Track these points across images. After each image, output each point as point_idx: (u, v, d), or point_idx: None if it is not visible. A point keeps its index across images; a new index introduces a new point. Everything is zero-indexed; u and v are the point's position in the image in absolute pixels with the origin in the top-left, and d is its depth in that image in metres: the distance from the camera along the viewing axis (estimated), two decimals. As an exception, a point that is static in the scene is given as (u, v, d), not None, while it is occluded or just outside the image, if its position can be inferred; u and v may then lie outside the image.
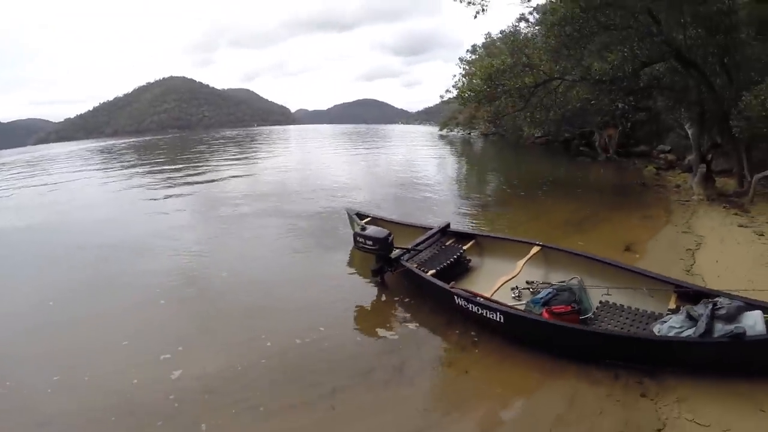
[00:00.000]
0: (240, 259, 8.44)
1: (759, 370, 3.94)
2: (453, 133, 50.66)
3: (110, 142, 67.04)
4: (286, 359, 4.96)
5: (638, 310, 5.17)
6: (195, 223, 11.16)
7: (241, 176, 18.96)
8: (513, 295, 5.85)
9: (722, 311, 4.15)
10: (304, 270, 7.87)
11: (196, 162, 26.27)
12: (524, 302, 5.51)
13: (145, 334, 5.72)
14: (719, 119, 12.42)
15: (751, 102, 9.82)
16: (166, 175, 20.02)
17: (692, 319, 4.30)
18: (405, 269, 6.40)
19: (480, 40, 44.85)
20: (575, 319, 4.92)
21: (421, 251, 6.90)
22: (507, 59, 14.53)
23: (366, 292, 6.77)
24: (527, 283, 6.11)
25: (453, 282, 5.98)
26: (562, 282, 5.62)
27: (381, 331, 5.54)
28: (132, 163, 27.71)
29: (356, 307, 6.29)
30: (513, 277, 5.75)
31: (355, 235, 6.67)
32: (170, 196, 14.28)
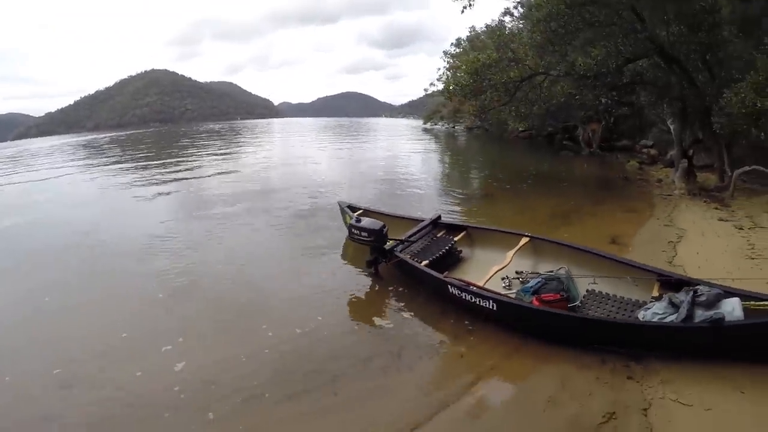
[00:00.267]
0: (233, 252, 8.48)
1: (737, 354, 4.18)
2: (437, 126, 50.81)
3: (92, 136, 65.96)
4: (287, 348, 5.07)
5: (623, 298, 5.41)
6: (185, 219, 11.06)
7: (227, 172, 18.80)
8: (503, 285, 6.04)
9: (702, 298, 4.41)
10: (299, 262, 7.95)
11: (181, 157, 25.96)
12: (514, 291, 5.72)
13: (145, 326, 5.78)
14: (701, 115, 12.71)
15: (732, 99, 10.07)
16: (152, 171, 19.82)
17: (674, 306, 4.55)
18: (399, 260, 6.55)
19: (464, 34, 44.85)
20: (564, 306, 5.14)
21: (413, 242, 7.08)
22: (493, 54, 14.68)
23: (360, 282, 6.91)
24: (516, 272, 6.30)
25: (446, 272, 6.19)
26: (550, 272, 5.84)
27: (377, 320, 5.70)
28: (116, 158, 27.32)
29: (352, 297, 6.44)
30: (503, 267, 5.95)
31: (350, 226, 6.79)
32: (158, 194, 14.12)
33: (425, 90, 53.57)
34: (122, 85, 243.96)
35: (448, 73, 41.59)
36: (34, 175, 21.25)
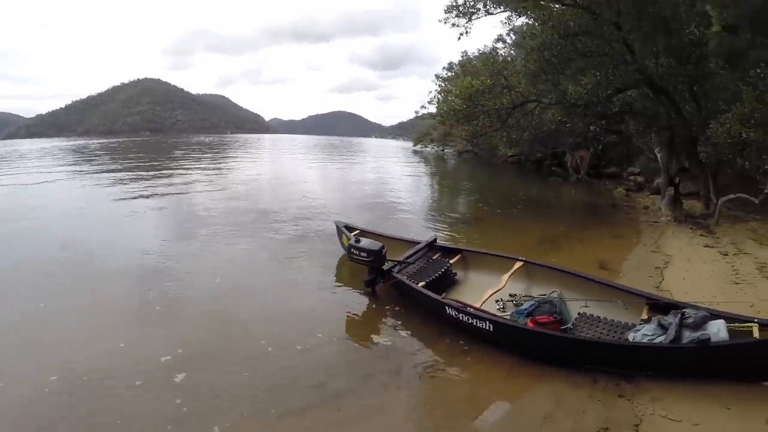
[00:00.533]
0: (229, 269, 8.48)
1: (723, 372, 4.39)
2: (427, 149, 51.16)
3: (82, 141, 65.45)
4: (288, 364, 5.14)
5: (614, 320, 5.61)
6: (180, 235, 10.95)
7: (219, 188, 18.67)
8: (498, 307, 6.21)
9: (690, 320, 4.63)
10: (296, 280, 8.03)
11: (173, 169, 25.86)
12: (509, 313, 5.91)
13: (142, 338, 5.76)
14: (687, 145, 13.08)
15: (718, 130, 10.43)
16: (147, 183, 19.56)
17: (663, 328, 4.77)
18: (396, 281, 6.70)
19: (457, 58, 45.55)
20: (557, 328, 5.34)
21: (410, 264, 7.25)
22: (486, 80, 15.04)
23: (358, 301, 7.03)
24: (510, 295, 6.45)
25: (444, 293, 6.38)
26: (543, 295, 6.05)
27: (376, 338, 5.83)
28: (108, 167, 27.10)
29: (350, 315, 6.57)
30: (499, 290, 6.15)
31: (350, 246, 6.94)
32: (152, 207, 13.92)
33: (416, 112, 54.07)
34: (114, 91, 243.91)
35: (440, 96, 42.22)
36: (26, 178, 21.05)
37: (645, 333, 4.83)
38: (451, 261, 7.47)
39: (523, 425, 4.20)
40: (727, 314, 4.84)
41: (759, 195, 11.44)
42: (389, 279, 6.83)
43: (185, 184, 19.55)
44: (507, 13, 16.24)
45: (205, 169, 26.82)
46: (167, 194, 16.50)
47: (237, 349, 5.51)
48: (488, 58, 17.67)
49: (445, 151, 47.21)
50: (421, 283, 6.53)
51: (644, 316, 5.35)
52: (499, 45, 33.06)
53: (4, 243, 9.91)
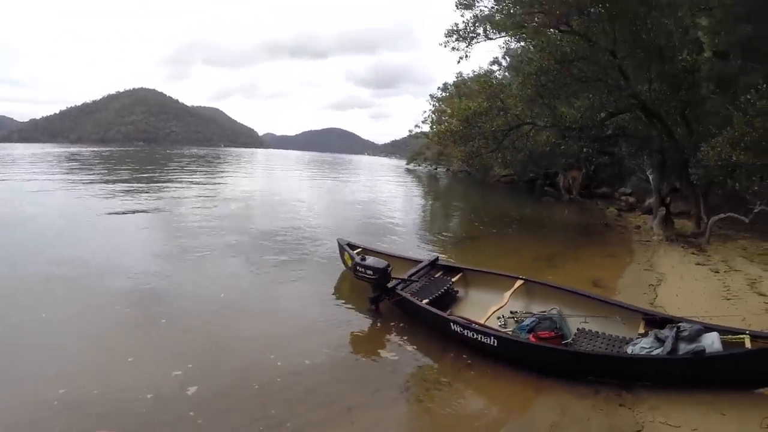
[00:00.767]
0: (233, 284, 8.55)
1: (717, 381, 4.62)
2: (420, 167, 51.49)
3: (75, 148, 65.34)
4: (299, 379, 5.23)
5: (612, 335, 5.84)
6: (181, 253, 10.63)
7: (216, 202, 18.65)
8: (499, 324, 6.38)
9: (685, 333, 4.88)
10: (300, 296, 8.15)
11: (170, 182, 25.81)
12: (510, 329, 6.11)
13: (151, 352, 5.77)
14: (679, 166, 13.45)
15: (709, 153, 10.77)
16: (145, 195, 19.44)
17: (660, 341, 5.00)
18: (401, 298, 6.89)
19: (451, 79, 46.18)
20: (558, 343, 5.56)
21: (414, 281, 7.44)
22: (483, 102, 15.37)
23: (362, 318, 7.19)
24: (511, 312, 6.64)
25: (449, 311, 6.59)
26: (543, 312, 6.26)
27: (383, 353, 6.00)
28: (106, 177, 26.81)
29: (355, 331, 6.74)
30: (501, 307, 6.37)
31: (356, 264, 7.13)
32: (152, 223, 13.82)
33: (410, 131, 54.72)
34: (109, 100, 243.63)
35: (434, 116, 42.77)
36: (23, 185, 21.02)
37: (643, 346, 5.07)
38: (453, 279, 7.69)
39: (531, 433, 4.39)
40: (720, 327, 5.10)
41: (749, 214, 11.73)
42: (393, 296, 7.01)
43: (182, 198, 19.40)
44: (506, 38, 16.69)
45: (200, 183, 26.81)
46: (164, 209, 16.34)
47: (246, 364, 5.57)
48: (485, 81, 17.91)
49: (438, 170, 47.64)
50: (425, 301, 6.71)
51: (641, 330, 5.59)
52: (495, 67, 33.66)
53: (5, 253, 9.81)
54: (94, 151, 58.75)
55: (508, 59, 30.87)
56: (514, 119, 15.09)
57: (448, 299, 7.32)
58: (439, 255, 10.73)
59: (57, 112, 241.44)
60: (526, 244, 13.06)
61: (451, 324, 5.95)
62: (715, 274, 9.07)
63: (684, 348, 4.74)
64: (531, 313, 6.48)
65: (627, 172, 21.92)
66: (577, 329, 6.07)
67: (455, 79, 42.33)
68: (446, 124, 17.82)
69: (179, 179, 27.51)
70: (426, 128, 46.67)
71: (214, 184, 27.02)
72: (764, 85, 10.73)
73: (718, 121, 12.22)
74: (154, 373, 5.20)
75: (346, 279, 8.71)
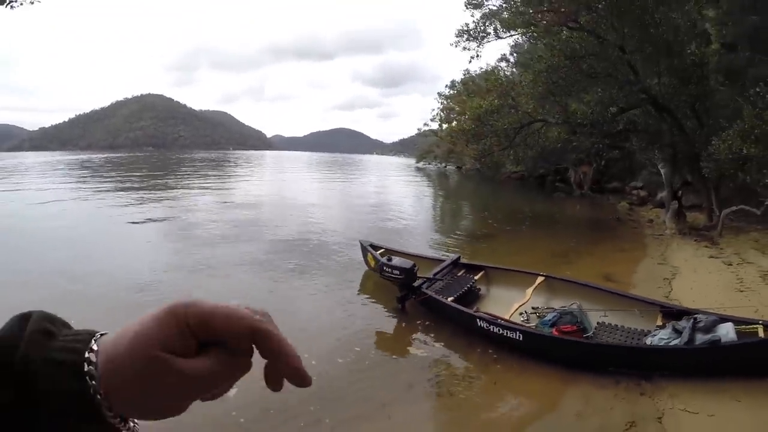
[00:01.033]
0: (259, 286, 8.94)
1: (732, 369, 4.90)
2: (429, 165, 51.48)
3: (85, 155, 64.92)
4: (333, 377, 5.48)
5: (631, 327, 6.11)
6: (203, 261, 10.65)
7: (235, 209, 18.66)
8: (522, 319, 6.67)
9: (701, 324, 5.17)
10: (326, 298, 8.40)
11: (184, 188, 26.18)
12: (533, 324, 6.40)
13: None
14: (690, 160, 13.59)
15: (720, 146, 10.92)
16: (161, 203, 19.57)
17: (677, 332, 5.30)
18: (426, 297, 7.17)
19: (458, 76, 46.29)
20: (580, 336, 5.86)
21: (438, 280, 7.73)
22: (494, 100, 15.62)
23: (389, 316, 7.49)
24: (533, 308, 6.93)
25: (476, 307, 6.89)
26: (564, 307, 6.55)
27: (412, 351, 6.31)
28: (120, 185, 26.70)
29: (384, 330, 7.07)
30: (524, 303, 6.66)
31: (383, 264, 7.39)
32: (173, 232, 13.93)
33: (419, 129, 54.89)
34: (117, 106, 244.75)
35: (443, 114, 42.95)
36: (39, 195, 21.12)
37: (661, 337, 5.36)
38: (476, 277, 7.99)
39: (558, 423, 4.70)
40: (734, 317, 5.41)
41: (760, 206, 11.89)
42: (420, 295, 7.29)
43: (198, 206, 19.49)
44: (516, 36, 16.90)
45: (214, 188, 27.12)
46: (183, 218, 16.39)
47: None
48: (495, 79, 18.07)
49: (447, 167, 47.72)
50: (450, 298, 7.02)
51: (659, 322, 5.88)
52: (503, 64, 33.71)
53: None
54: (104, 157, 58.92)
55: (515, 56, 30.96)
56: (526, 117, 15.30)
57: (471, 296, 7.62)
58: (456, 252, 11.01)
59: (66, 120, 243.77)
60: (540, 241, 13.25)
61: (478, 320, 6.24)
62: (728, 266, 9.28)
63: (700, 338, 5.03)
64: (552, 308, 6.76)
65: (638, 166, 21.97)
66: (597, 323, 6.32)
67: (463, 76, 42.36)
68: (457, 122, 18.00)
69: (193, 185, 27.88)
70: (435, 126, 47.14)
71: (228, 189, 27.32)
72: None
73: (728, 114, 12.34)
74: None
75: (369, 279, 8.97)
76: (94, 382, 0.44)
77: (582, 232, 15.45)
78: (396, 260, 7.42)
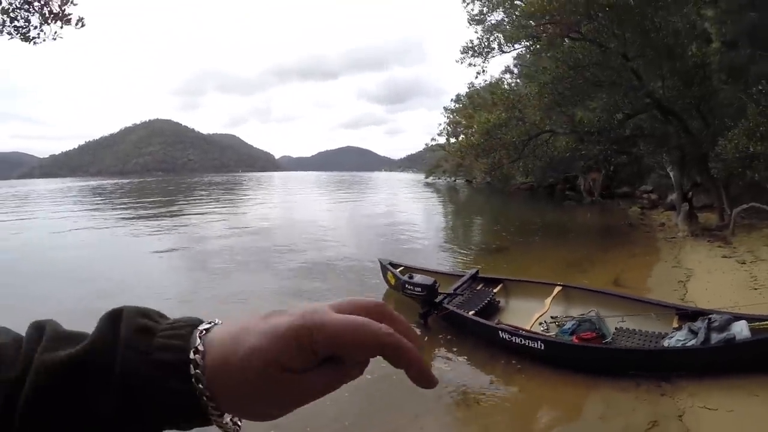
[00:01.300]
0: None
1: (748, 366, 5.08)
2: (439, 180, 51.60)
3: (95, 182, 65.70)
4: (364, 392, 5.59)
5: (648, 331, 6.30)
6: (225, 287, 10.91)
7: (250, 234, 18.81)
8: (542, 329, 6.86)
9: (716, 324, 5.37)
10: None
11: (197, 214, 26.18)
12: (553, 333, 6.60)
13: None
14: (698, 161, 13.74)
15: (727, 146, 11.10)
16: (176, 231, 19.79)
17: (693, 333, 5.50)
18: (448, 312, 7.37)
19: (463, 89, 46.57)
20: (599, 343, 6.04)
21: (458, 295, 7.92)
22: (502, 114, 15.87)
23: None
24: (552, 317, 7.12)
25: (498, 320, 7.10)
26: (582, 315, 6.72)
27: (436, 364, 6.49)
28: (135, 213, 27.12)
29: (408, 345, 7.25)
30: (543, 313, 6.86)
31: (404, 282, 7.64)
32: (191, 260, 14.13)
33: (426, 144, 55.13)
34: (126, 132, 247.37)
35: (449, 128, 43.23)
36: (56, 224, 21.59)
37: (678, 339, 5.55)
38: (495, 290, 8.18)
39: (583, 427, 4.90)
40: (748, 315, 5.60)
41: (770, 203, 11.97)
42: (441, 310, 7.49)
43: (213, 233, 19.53)
44: (520, 49, 17.18)
45: (227, 213, 27.42)
46: (201, 245, 16.57)
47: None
48: (501, 92, 18.26)
49: (457, 181, 47.89)
50: (471, 312, 7.21)
51: (675, 324, 6.08)
52: (507, 76, 34.00)
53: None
54: (115, 183, 59.68)
55: (519, 67, 31.21)
56: (533, 128, 15.52)
57: (491, 309, 7.80)
58: (470, 266, 11.18)
59: (76, 146, 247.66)
60: (554, 251, 13.35)
61: (500, 332, 6.44)
62: (742, 265, 9.42)
63: (716, 337, 5.22)
64: (571, 316, 6.93)
65: (646, 170, 22.05)
66: (615, 328, 6.52)
67: (467, 90, 42.61)
68: (465, 137, 18.25)
69: (207, 211, 28.17)
70: (442, 141, 47.43)
71: (242, 213, 27.68)
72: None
73: (733, 113, 12.53)
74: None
75: (389, 297, 9.14)
76: (200, 385, 0.44)
77: (594, 239, 15.56)
78: (417, 277, 7.65)
